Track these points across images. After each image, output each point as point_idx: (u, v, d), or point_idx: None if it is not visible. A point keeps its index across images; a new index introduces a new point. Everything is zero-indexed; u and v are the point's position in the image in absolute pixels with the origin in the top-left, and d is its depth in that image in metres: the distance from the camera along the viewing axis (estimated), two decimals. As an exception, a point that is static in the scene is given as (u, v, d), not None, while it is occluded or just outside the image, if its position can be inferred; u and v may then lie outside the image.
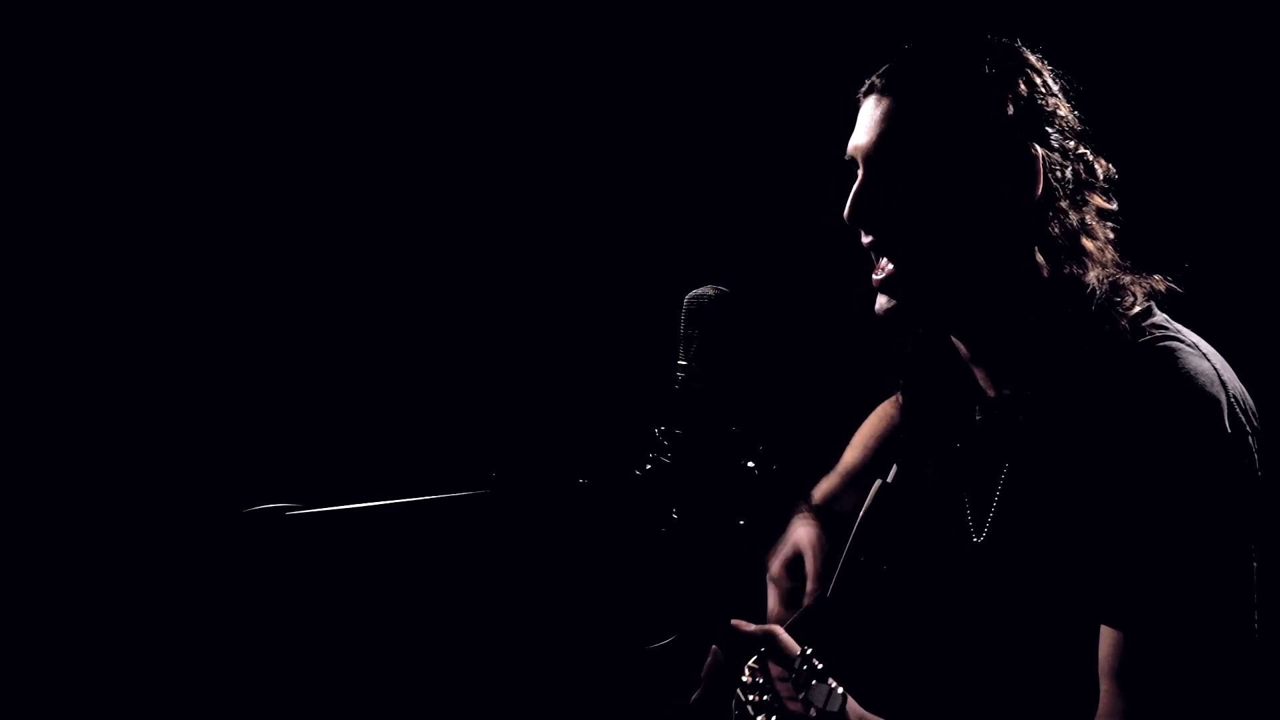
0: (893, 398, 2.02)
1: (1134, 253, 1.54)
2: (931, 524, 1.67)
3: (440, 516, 1.39)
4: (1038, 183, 1.47)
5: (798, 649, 1.46)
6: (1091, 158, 1.54)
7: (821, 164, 1.81)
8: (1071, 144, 1.51)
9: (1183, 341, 1.46)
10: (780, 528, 1.92)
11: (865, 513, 1.67)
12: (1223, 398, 1.39)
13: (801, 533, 1.89)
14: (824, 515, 1.91)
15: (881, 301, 1.55)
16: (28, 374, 2.49)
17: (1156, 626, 1.35)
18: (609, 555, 2.36)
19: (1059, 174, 1.49)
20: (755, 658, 1.56)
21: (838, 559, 1.71)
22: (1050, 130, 1.49)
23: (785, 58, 2.61)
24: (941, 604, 1.65)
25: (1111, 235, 1.54)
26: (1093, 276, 1.49)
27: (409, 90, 2.66)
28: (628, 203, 2.71)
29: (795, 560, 1.86)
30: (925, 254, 1.50)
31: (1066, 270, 1.49)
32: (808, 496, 1.96)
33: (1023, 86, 1.48)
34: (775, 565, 1.88)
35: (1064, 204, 1.49)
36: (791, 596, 1.85)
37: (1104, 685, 1.39)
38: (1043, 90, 1.50)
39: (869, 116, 1.53)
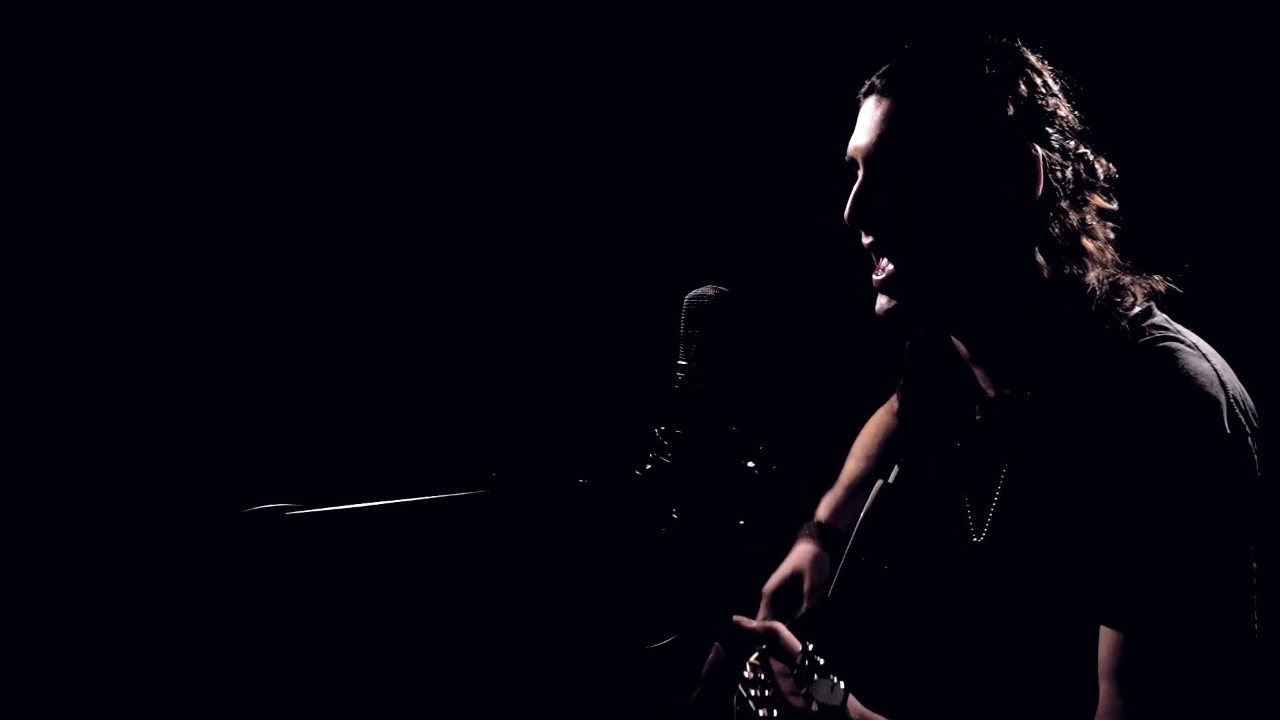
0: (888, 404, 2.03)
1: (1134, 253, 1.54)
2: (932, 524, 1.67)
3: (440, 516, 1.39)
4: (1038, 183, 1.47)
5: (799, 645, 1.46)
6: (1092, 158, 1.54)
7: (822, 164, 1.82)
8: (1072, 144, 1.51)
9: (1183, 342, 1.46)
10: (780, 528, 1.93)
11: (866, 513, 1.68)
12: (1222, 398, 1.39)
13: (801, 553, 1.90)
14: (828, 532, 1.91)
15: (881, 302, 1.55)
16: (28, 374, 2.48)
17: (1156, 627, 1.35)
18: (609, 555, 2.36)
19: (1059, 174, 1.49)
20: (757, 654, 1.57)
21: (839, 563, 1.72)
22: (1050, 130, 1.49)
23: (785, 58, 2.61)
24: (942, 603, 1.65)
25: (1112, 235, 1.54)
26: (1093, 277, 1.49)
27: (409, 91, 2.66)
28: (628, 203, 2.71)
29: (792, 579, 1.87)
30: (925, 254, 1.50)
31: (1067, 270, 1.49)
32: (810, 508, 1.97)
33: (1023, 87, 1.48)
34: (771, 582, 1.89)
35: (1064, 204, 1.49)
36: (783, 615, 1.85)
37: (1103, 685, 1.39)
38: (1043, 90, 1.50)
39: (869, 117, 1.53)
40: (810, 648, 1.42)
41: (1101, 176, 1.54)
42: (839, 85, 1.62)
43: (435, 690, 2.53)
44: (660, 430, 1.43)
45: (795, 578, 1.87)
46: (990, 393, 1.59)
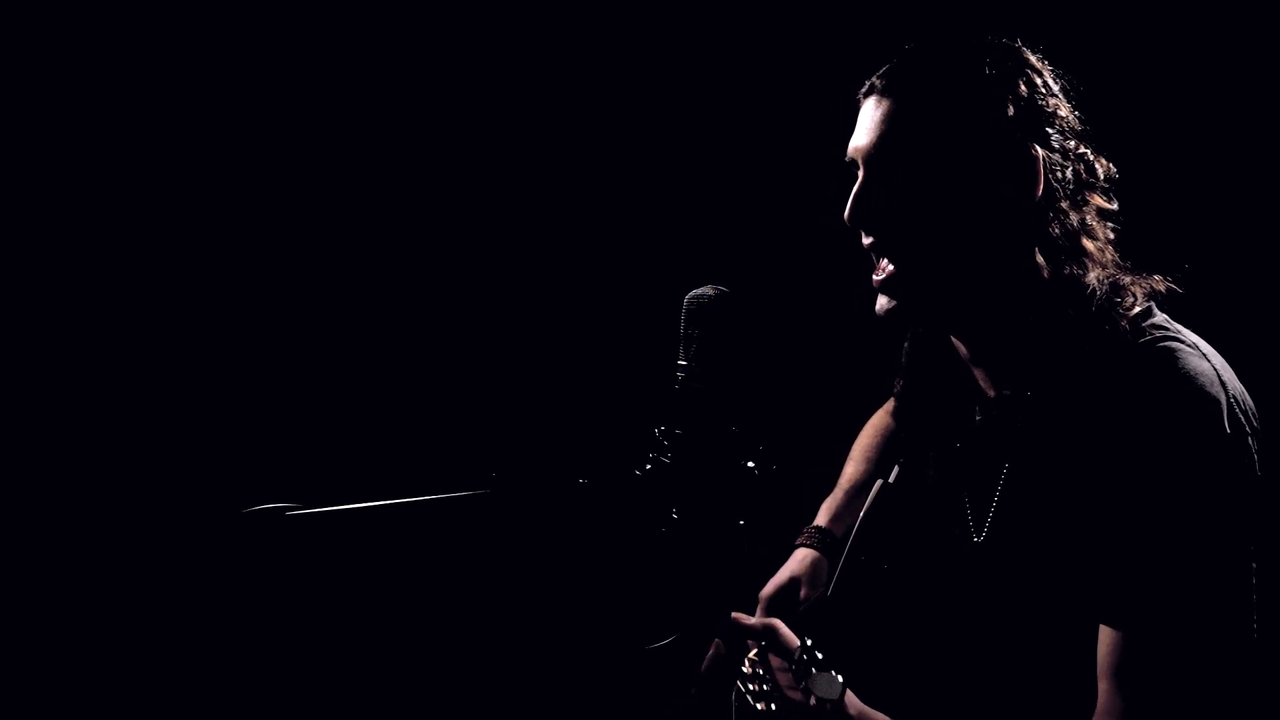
0: (886, 405, 2.03)
1: (1134, 253, 1.54)
2: (932, 524, 1.67)
3: (440, 516, 1.39)
4: (1038, 183, 1.47)
5: (797, 641, 1.46)
6: (1092, 158, 1.53)
7: (822, 165, 1.82)
8: (1072, 144, 1.51)
9: (1183, 342, 1.46)
10: (780, 528, 1.93)
11: (866, 513, 1.67)
12: (1222, 398, 1.39)
13: (799, 558, 1.90)
14: (827, 537, 1.92)
15: (882, 302, 1.55)
16: (28, 374, 2.49)
17: (1155, 626, 1.35)
18: (609, 555, 2.36)
19: (1059, 174, 1.49)
20: (755, 650, 1.57)
21: (838, 563, 1.72)
22: (1050, 131, 1.49)
23: (785, 58, 2.62)
24: (942, 603, 1.65)
25: (1111, 235, 1.54)
26: (1093, 277, 1.49)
27: (409, 91, 2.66)
28: (628, 203, 2.71)
29: (790, 585, 1.87)
30: (925, 255, 1.50)
31: (1067, 271, 1.49)
32: (809, 509, 1.97)
33: (1023, 87, 1.48)
34: (768, 588, 1.89)
35: (1064, 204, 1.49)
36: (779, 619, 1.85)
37: (1102, 684, 1.39)
38: (1043, 91, 1.50)
39: (869, 118, 1.53)
40: (809, 643, 1.42)
41: (1101, 176, 1.54)
42: (839, 85, 1.62)
43: (436, 690, 2.53)
44: (660, 430, 1.43)
45: (793, 583, 1.87)
46: (990, 393, 1.59)
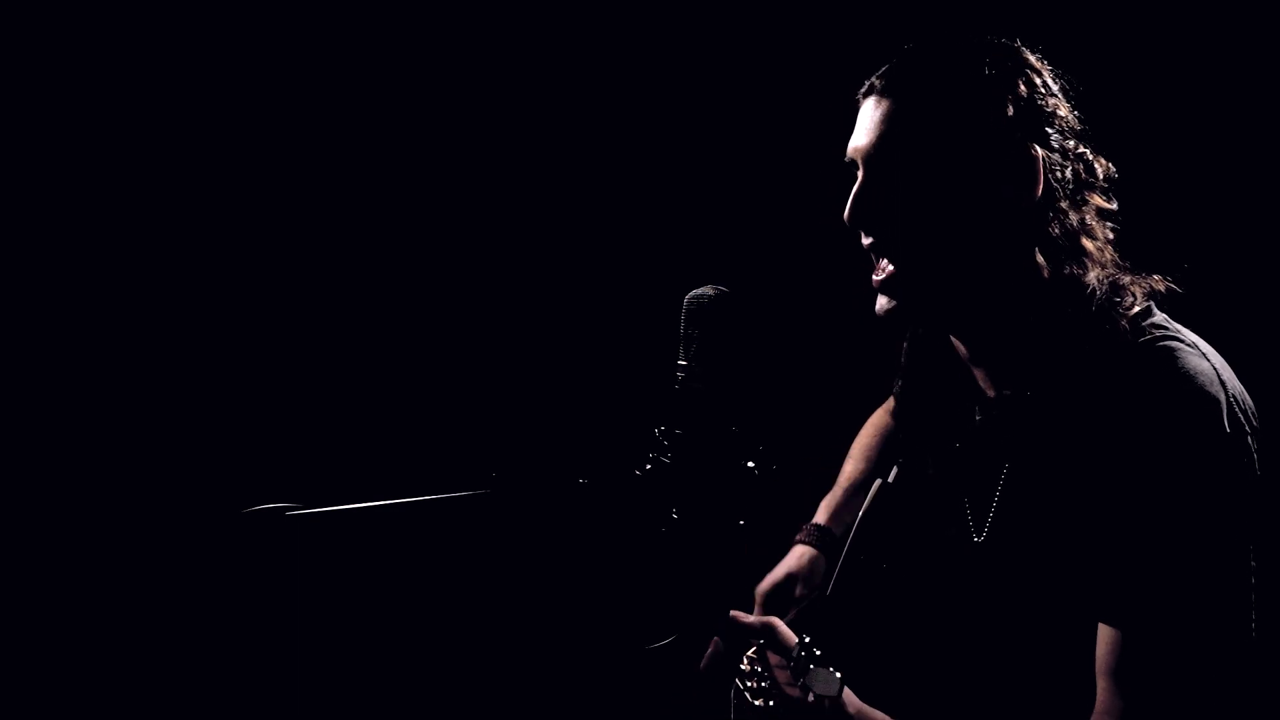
0: (885, 405, 2.03)
1: (1133, 252, 1.55)
2: (932, 524, 1.68)
3: (440, 516, 1.39)
4: (1038, 183, 1.47)
5: (795, 639, 1.46)
6: (1091, 157, 1.54)
7: (822, 165, 1.82)
8: (1071, 144, 1.51)
9: (1182, 341, 1.46)
10: (780, 528, 1.93)
11: (865, 512, 1.67)
12: (1222, 397, 1.39)
13: (796, 555, 1.90)
14: (825, 535, 1.92)
15: (882, 302, 1.55)
16: (28, 374, 2.49)
17: (1154, 625, 1.35)
18: (609, 555, 2.35)
19: (1059, 174, 1.49)
20: (754, 648, 1.57)
21: (836, 564, 1.72)
22: (1050, 131, 1.49)
23: (785, 58, 2.62)
24: (941, 603, 1.65)
25: (1111, 235, 1.54)
26: (1093, 276, 1.49)
27: (408, 91, 2.66)
28: (628, 203, 2.71)
29: (786, 581, 1.87)
30: (925, 255, 1.50)
31: (1066, 270, 1.49)
32: (809, 509, 1.97)
33: (1022, 87, 1.48)
34: (765, 583, 1.89)
35: (1064, 204, 1.49)
36: (776, 616, 1.86)
37: (1101, 684, 1.39)
38: (1042, 90, 1.50)
39: (868, 118, 1.53)
40: (807, 640, 1.43)
41: (1101, 176, 1.54)
42: (839, 85, 1.62)
43: (436, 690, 2.53)
44: (660, 430, 1.43)
45: (789, 579, 1.87)
46: (990, 393, 1.59)
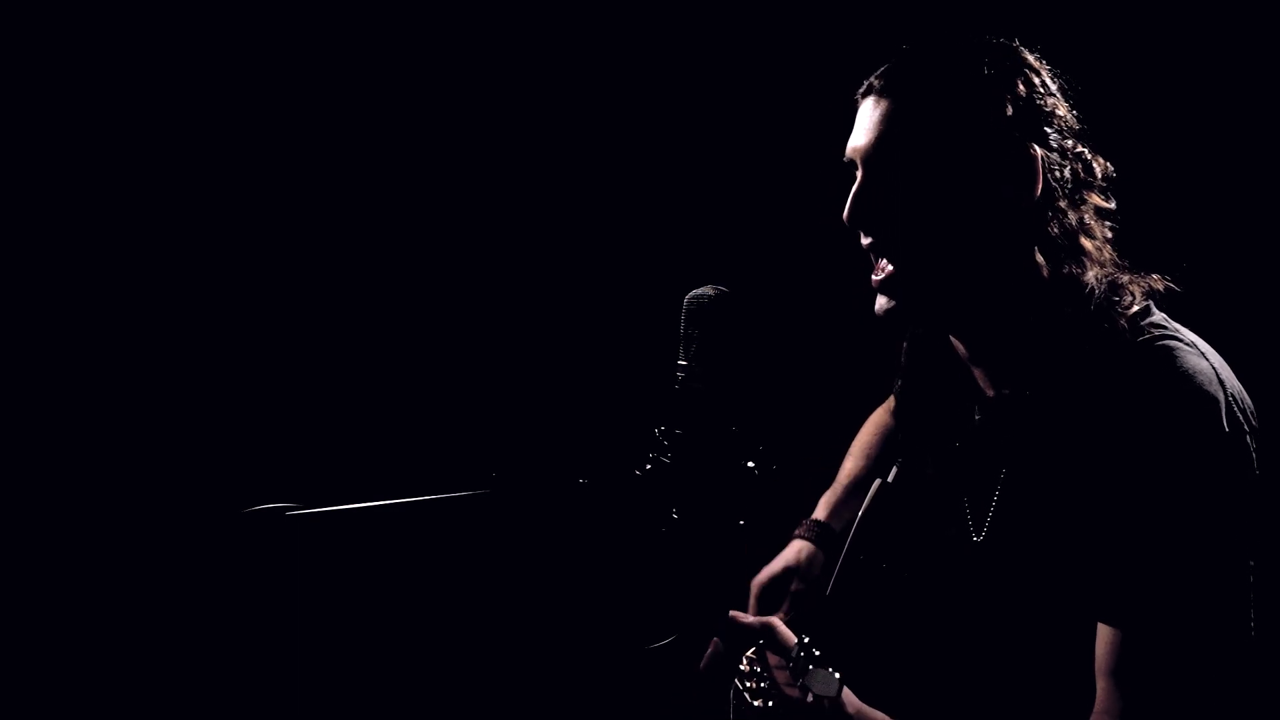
0: (885, 404, 2.03)
1: (1132, 252, 1.55)
2: (931, 523, 1.68)
3: (440, 516, 1.39)
4: (1037, 183, 1.47)
5: (795, 639, 1.46)
6: (1090, 157, 1.54)
7: (821, 164, 1.82)
8: (1070, 143, 1.51)
9: (1181, 340, 1.46)
10: (780, 528, 1.93)
11: (865, 512, 1.68)
12: (1221, 396, 1.39)
13: (794, 549, 1.90)
14: (823, 530, 1.92)
15: (881, 302, 1.55)
16: (29, 374, 2.49)
17: (1153, 625, 1.36)
18: (609, 555, 2.36)
19: (1058, 174, 1.49)
20: (754, 648, 1.57)
21: (837, 559, 1.72)
22: (1049, 130, 1.49)
23: (785, 58, 2.62)
24: (941, 602, 1.65)
25: (1110, 234, 1.54)
26: (1091, 276, 1.49)
27: (408, 91, 2.66)
28: (628, 203, 2.71)
29: (783, 575, 1.87)
30: (924, 255, 1.50)
31: (1065, 270, 1.49)
32: (809, 508, 1.97)
33: (1021, 87, 1.48)
34: (761, 576, 1.89)
35: (1063, 203, 1.49)
36: (771, 608, 1.86)
37: (1100, 683, 1.39)
38: (1041, 90, 1.50)
39: (867, 118, 1.53)
40: (806, 640, 1.43)
41: (1099, 175, 1.54)
42: (838, 85, 1.62)
43: (435, 690, 2.53)
44: (660, 430, 1.43)
45: (786, 573, 1.87)
46: (989, 392, 1.59)
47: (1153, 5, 2.33)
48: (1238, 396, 1.43)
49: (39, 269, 2.50)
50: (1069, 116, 1.53)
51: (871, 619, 1.69)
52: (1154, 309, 1.51)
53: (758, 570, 1.92)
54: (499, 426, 2.62)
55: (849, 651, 1.52)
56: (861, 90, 1.55)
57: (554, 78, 2.69)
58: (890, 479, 1.67)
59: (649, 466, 1.42)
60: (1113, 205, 1.55)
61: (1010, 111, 1.47)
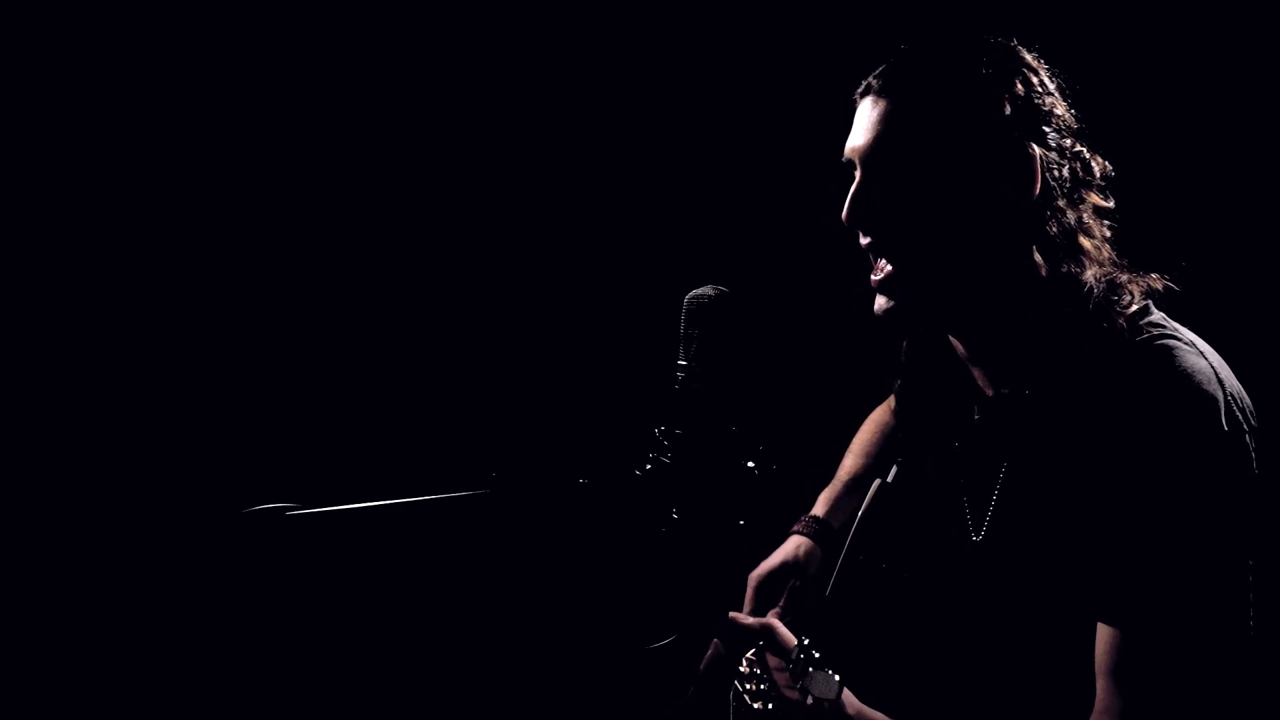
0: (886, 402, 2.03)
1: (1131, 251, 1.55)
2: (931, 523, 1.68)
3: (440, 516, 1.39)
4: (1035, 182, 1.47)
5: (794, 641, 1.46)
6: (1088, 156, 1.54)
7: (820, 164, 1.82)
8: (1068, 142, 1.51)
9: (1180, 339, 1.46)
10: (780, 528, 1.93)
11: (864, 512, 1.68)
12: (1220, 396, 1.40)
13: (792, 544, 1.90)
14: (822, 527, 1.92)
15: (880, 302, 1.55)
16: (29, 374, 2.49)
17: (1153, 624, 1.36)
18: (609, 555, 2.36)
19: (1056, 173, 1.49)
20: (753, 650, 1.57)
21: (837, 558, 1.72)
22: (1047, 129, 1.49)
23: (784, 58, 2.62)
24: (940, 602, 1.65)
25: (1108, 233, 1.54)
26: (1090, 275, 1.49)
27: (408, 91, 2.66)
28: (628, 203, 2.71)
29: (781, 570, 1.87)
30: (923, 254, 1.50)
31: (1064, 269, 1.49)
32: (808, 506, 1.97)
33: (1019, 86, 1.48)
34: (759, 571, 1.89)
35: (1061, 203, 1.49)
36: (768, 604, 1.86)
37: (1100, 682, 1.39)
38: (1039, 89, 1.50)
39: (866, 118, 1.53)
40: (806, 642, 1.43)
41: (1098, 174, 1.54)
42: (838, 85, 1.62)
43: (435, 690, 2.53)
44: (660, 430, 1.43)
45: (784, 568, 1.86)
46: (989, 392, 1.59)
47: (1152, 5, 2.33)
48: (1237, 396, 1.43)
49: (39, 270, 2.50)
50: (1067, 116, 1.53)
51: (871, 619, 1.69)
52: (1153, 308, 1.51)
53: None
54: (499, 427, 2.62)
55: (849, 653, 1.52)
56: (860, 90, 1.55)
57: (554, 79, 2.69)
58: (890, 479, 1.67)
59: (649, 466, 1.43)
60: (1111, 204, 1.55)
61: (1008, 111, 1.47)
